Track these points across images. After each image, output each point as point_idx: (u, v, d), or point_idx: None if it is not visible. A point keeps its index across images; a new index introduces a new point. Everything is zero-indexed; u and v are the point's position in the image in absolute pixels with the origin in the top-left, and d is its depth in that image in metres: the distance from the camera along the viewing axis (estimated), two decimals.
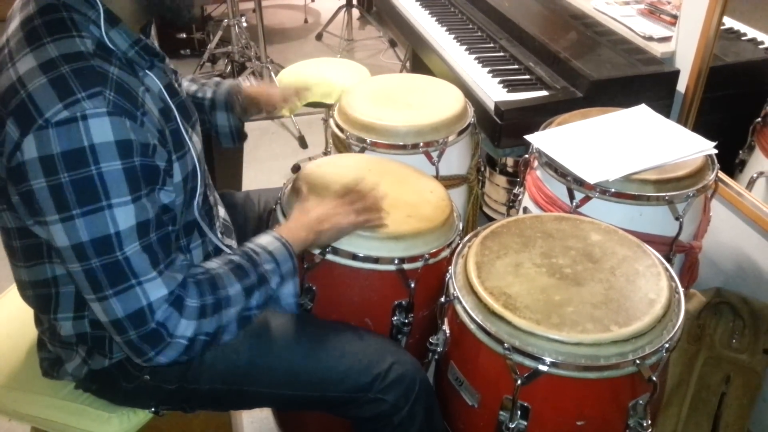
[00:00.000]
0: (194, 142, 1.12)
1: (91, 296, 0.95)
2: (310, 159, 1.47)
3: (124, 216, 0.91)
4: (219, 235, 1.26)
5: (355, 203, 1.23)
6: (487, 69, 1.95)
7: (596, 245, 1.24)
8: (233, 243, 1.32)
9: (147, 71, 1.02)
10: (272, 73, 3.56)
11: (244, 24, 3.84)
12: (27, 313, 1.22)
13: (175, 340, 0.98)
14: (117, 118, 0.88)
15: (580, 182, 1.39)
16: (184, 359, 1.02)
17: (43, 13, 0.93)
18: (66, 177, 0.87)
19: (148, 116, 0.96)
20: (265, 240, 1.13)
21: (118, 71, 0.93)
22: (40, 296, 1.09)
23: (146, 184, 0.94)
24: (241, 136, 1.53)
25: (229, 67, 3.95)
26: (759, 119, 1.70)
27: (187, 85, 1.47)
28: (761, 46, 1.77)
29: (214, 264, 1.07)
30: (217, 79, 1.52)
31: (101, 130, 0.87)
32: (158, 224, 0.97)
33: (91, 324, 1.10)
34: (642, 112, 1.64)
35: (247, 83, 1.49)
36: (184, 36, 4.16)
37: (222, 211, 1.33)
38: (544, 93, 1.80)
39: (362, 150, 1.61)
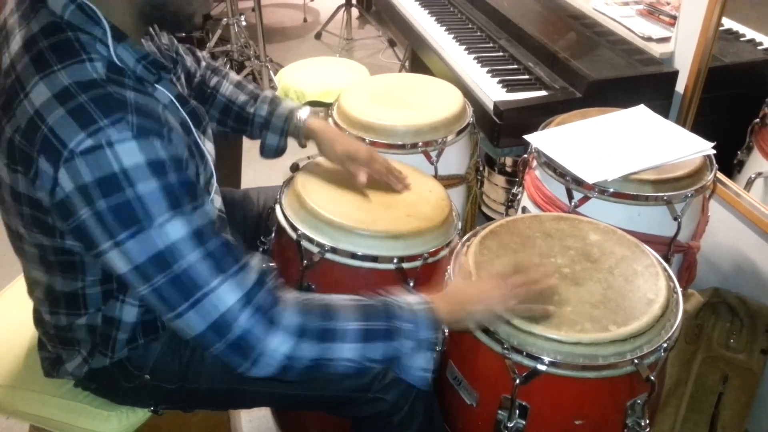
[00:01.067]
0: (208, 149, 1.10)
1: (169, 315, 0.92)
2: (308, 158, 1.46)
3: (172, 229, 0.88)
4: None
5: (519, 287, 1.08)
6: (487, 69, 1.95)
7: (595, 245, 1.24)
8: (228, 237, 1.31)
9: (156, 85, 1.00)
10: (271, 73, 3.56)
11: (243, 23, 3.83)
12: (26, 312, 1.22)
13: (268, 353, 0.94)
14: (144, 140, 0.86)
15: (579, 182, 1.39)
16: (284, 378, 0.98)
17: (48, 34, 0.90)
18: (103, 204, 0.85)
19: (174, 132, 0.94)
20: (413, 299, 1.07)
21: (134, 94, 0.90)
22: (72, 298, 1.08)
23: (189, 200, 0.91)
24: (283, 152, 1.48)
25: (228, 66, 3.94)
26: (757, 120, 1.71)
27: (232, 91, 1.43)
28: (760, 47, 1.77)
29: (337, 297, 1.04)
30: (271, 93, 1.46)
31: (130, 153, 0.85)
32: (214, 231, 0.94)
33: (104, 319, 1.09)
34: (641, 112, 1.64)
35: (305, 115, 1.42)
36: (183, 35, 4.15)
37: (218, 202, 1.32)
38: (543, 93, 1.80)
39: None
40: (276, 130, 1.42)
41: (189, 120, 1.05)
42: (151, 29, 1.13)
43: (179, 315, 0.92)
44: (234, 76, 1.47)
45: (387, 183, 1.39)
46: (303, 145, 1.46)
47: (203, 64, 1.42)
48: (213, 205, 1.24)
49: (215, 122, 1.43)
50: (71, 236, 0.94)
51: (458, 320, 1.09)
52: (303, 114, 1.42)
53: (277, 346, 0.95)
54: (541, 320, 1.06)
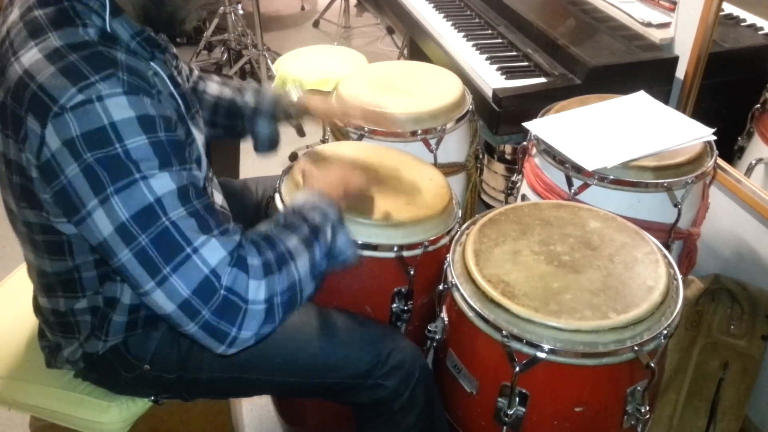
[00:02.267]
0: (196, 133, 1.10)
1: (150, 284, 0.88)
2: (307, 147, 1.46)
3: (160, 183, 0.87)
4: None
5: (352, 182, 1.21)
6: (486, 56, 1.94)
7: (594, 232, 1.23)
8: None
9: (149, 62, 1.00)
10: (269, 61, 3.54)
11: (241, 11, 3.81)
12: (26, 303, 1.22)
13: (250, 306, 0.92)
14: (134, 96, 0.86)
15: (579, 169, 1.39)
16: (268, 329, 0.95)
17: (44, 4, 0.91)
18: (91, 157, 0.84)
19: (164, 96, 0.95)
20: (299, 198, 1.10)
21: (125, 56, 0.91)
22: (65, 281, 1.08)
23: (178, 160, 0.90)
24: (277, 143, 1.50)
25: (226, 55, 3.93)
26: (758, 105, 1.70)
27: (217, 89, 1.44)
28: (761, 32, 1.76)
29: (262, 227, 1.04)
30: (254, 84, 1.48)
31: (120, 108, 0.85)
32: (199, 193, 0.93)
33: (105, 301, 1.09)
34: (641, 98, 1.64)
35: (294, 95, 1.45)
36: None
37: (220, 199, 1.32)
38: (542, 80, 1.79)
39: (360, 138, 1.60)
40: (266, 115, 1.44)
41: (179, 98, 1.05)
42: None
43: (162, 282, 0.88)
44: (216, 78, 1.48)
45: (376, 168, 1.41)
46: (302, 134, 1.46)
47: (195, 72, 1.43)
48: (214, 200, 1.24)
49: (207, 126, 1.43)
50: (53, 203, 0.93)
51: (336, 196, 1.14)
52: (292, 93, 1.44)
53: (255, 295, 0.92)
54: (537, 306, 1.05)
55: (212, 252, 0.90)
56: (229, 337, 0.92)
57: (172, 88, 1.04)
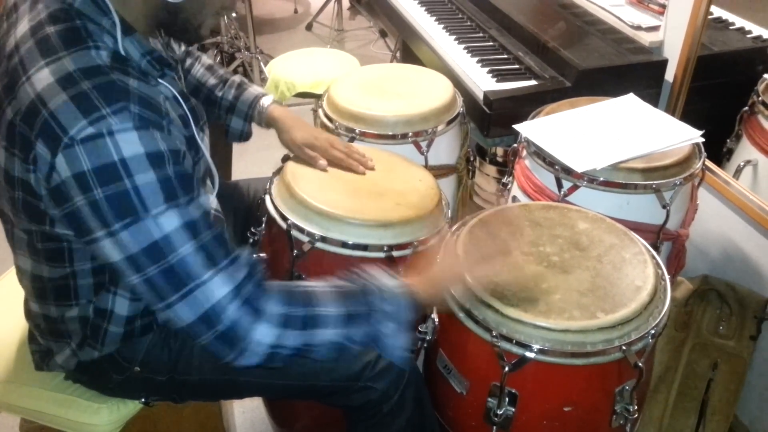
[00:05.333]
0: (205, 145, 1.11)
1: (159, 305, 0.93)
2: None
3: (167, 221, 0.89)
4: None
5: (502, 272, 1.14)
6: (477, 59, 1.95)
7: (583, 233, 1.24)
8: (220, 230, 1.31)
9: (159, 80, 1.00)
10: (262, 64, 3.54)
11: (233, 14, 3.81)
12: (16, 305, 1.22)
13: (252, 345, 0.95)
14: (145, 131, 0.86)
15: (568, 171, 1.40)
16: (271, 366, 0.99)
17: (55, 20, 0.90)
18: (100, 193, 0.85)
19: (174, 124, 0.94)
20: (392, 283, 1.07)
21: (137, 83, 0.91)
22: (60, 287, 1.07)
23: (184, 193, 0.91)
24: (248, 137, 1.53)
25: (219, 58, 3.93)
26: (746, 108, 1.71)
27: (202, 74, 1.46)
28: (749, 35, 1.77)
29: (319, 284, 1.04)
30: (239, 78, 1.49)
31: (130, 144, 0.85)
32: (208, 224, 0.94)
33: (95, 311, 1.09)
34: (630, 101, 1.65)
35: (269, 102, 1.47)
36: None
37: (214, 202, 1.32)
38: (532, 82, 1.80)
39: (351, 140, 1.61)
40: (240, 115, 1.47)
41: (189, 116, 1.05)
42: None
43: (169, 305, 0.92)
44: (206, 59, 1.50)
45: (348, 168, 1.40)
46: (267, 127, 1.49)
47: (182, 48, 1.42)
48: (209, 204, 1.24)
49: None
50: (63, 222, 0.94)
51: (437, 300, 1.14)
52: (266, 101, 1.47)
53: (262, 337, 0.96)
54: (526, 306, 1.06)
55: (216, 288, 0.93)
56: (228, 358, 0.97)
57: (183, 103, 1.04)
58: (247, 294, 0.95)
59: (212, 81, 1.46)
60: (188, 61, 1.46)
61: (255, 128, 1.53)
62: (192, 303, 0.92)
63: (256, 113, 1.47)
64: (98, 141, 0.84)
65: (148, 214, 0.87)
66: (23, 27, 0.92)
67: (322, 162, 1.39)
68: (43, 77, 0.86)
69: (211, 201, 1.30)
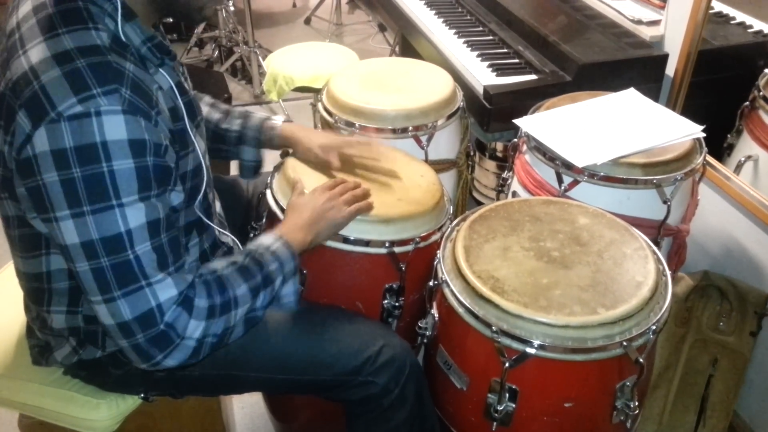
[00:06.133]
0: (198, 141, 1.10)
1: (97, 298, 0.92)
2: None
3: (134, 215, 0.89)
4: (216, 233, 1.25)
5: (343, 194, 1.23)
6: (477, 53, 1.94)
7: (584, 229, 1.24)
8: (228, 239, 1.31)
9: (158, 68, 1.00)
10: (260, 58, 3.53)
11: (232, 8, 3.80)
12: (15, 299, 1.21)
13: (183, 341, 0.96)
14: (132, 116, 0.86)
15: (569, 166, 1.39)
16: (191, 362, 1.00)
17: (58, 2, 0.91)
18: (78, 172, 0.85)
19: (162, 116, 0.94)
20: (267, 240, 1.12)
21: (134, 68, 0.91)
22: (33, 289, 1.08)
23: (158, 185, 0.92)
24: (260, 168, 1.49)
25: (217, 52, 3.91)
26: (747, 103, 1.71)
27: (207, 111, 1.42)
28: (749, 30, 1.77)
29: (219, 265, 1.06)
30: (242, 110, 1.46)
31: (115, 127, 0.85)
32: (168, 225, 0.95)
33: (85, 319, 1.09)
34: (630, 95, 1.64)
35: (280, 121, 1.43)
36: (171, 20, 4.11)
37: (218, 206, 1.32)
38: (533, 77, 1.80)
39: (351, 135, 1.60)
40: (250, 142, 1.42)
41: (184, 109, 1.05)
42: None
43: (109, 300, 0.92)
44: (208, 98, 1.46)
45: (368, 165, 1.40)
46: (281, 147, 1.45)
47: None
48: (214, 209, 1.24)
49: None
50: (25, 197, 0.93)
51: (309, 243, 1.18)
52: (276, 121, 1.43)
53: (191, 333, 0.97)
54: (527, 302, 1.06)
55: (163, 290, 0.93)
56: (153, 360, 0.97)
57: (178, 96, 1.03)
58: (185, 297, 0.96)
59: (216, 115, 1.43)
60: None
61: None
62: (134, 302, 0.92)
63: (266, 136, 1.42)
64: (84, 120, 0.84)
65: (119, 201, 0.87)
66: (26, 7, 0.93)
67: (335, 159, 1.37)
68: (39, 51, 0.87)
69: (217, 206, 1.30)
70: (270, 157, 1.48)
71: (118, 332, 0.94)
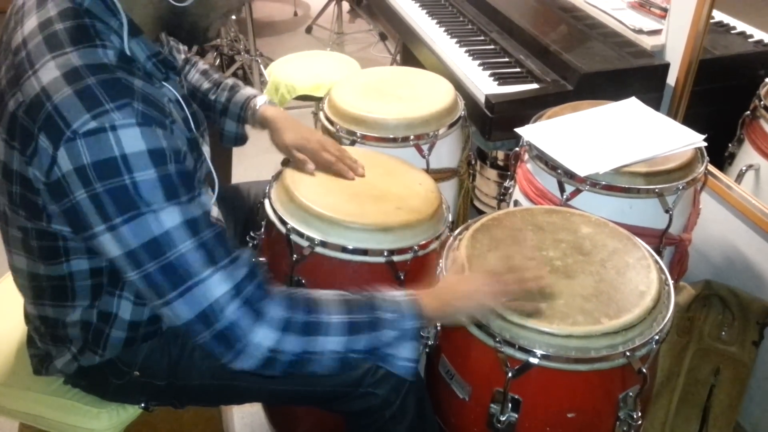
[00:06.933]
0: (205, 150, 1.11)
1: (157, 302, 0.92)
2: None
3: (168, 217, 0.88)
4: None
5: (511, 285, 1.08)
6: (478, 62, 1.94)
7: (586, 238, 1.24)
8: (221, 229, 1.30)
9: (163, 83, 1.00)
10: (261, 66, 3.54)
11: (233, 17, 3.81)
12: (15, 309, 1.21)
13: (251, 347, 0.94)
14: (147, 128, 0.86)
15: (571, 175, 1.39)
16: (268, 374, 0.98)
17: (64, 18, 0.91)
18: (100, 187, 0.85)
19: (177, 125, 0.94)
20: (396, 292, 1.07)
21: (142, 83, 0.91)
22: (54, 287, 1.07)
23: (186, 190, 0.91)
24: (243, 141, 1.52)
25: (218, 61, 3.92)
26: (748, 112, 1.71)
27: (197, 78, 1.45)
28: (750, 40, 1.77)
29: (323, 292, 1.04)
30: (233, 80, 1.48)
31: (132, 140, 0.85)
32: (208, 222, 0.94)
33: (99, 315, 1.09)
34: (632, 105, 1.64)
35: (260, 102, 1.44)
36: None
37: (215, 212, 1.32)
38: (534, 86, 1.80)
39: (352, 143, 1.60)
40: (233, 117, 1.45)
41: (191, 120, 1.05)
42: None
43: (167, 303, 0.92)
44: (201, 65, 1.49)
45: (338, 173, 1.37)
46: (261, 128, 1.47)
47: (182, 55, 1.43)
48: (210, 204, 1.23)
49: None
50: (62, 218, 0.93)
51: (446, 315, 1.10)
52: (259, 101, 1.44)
53: (262, 339, 0.95)
54: (533, 315, 1.05)
55: (216, 285, 0.92)
56: (226, 358, 0.96)
57: (185, 107, 1.04)
58: (248, 294, 0.95)
59: (206, 85, 1.46)
60: (186, 68, 1.46)
61: (253, 133, 1.52)
62: (190, 300, 0.92)
63: (248, 114, 1.44)
64: (100, 135, 0.84)
65: (149, 208, 0.87)
66: (31, 23, 0.93)
67: (310, 165, 1.37)
68: (49, 71, 0.87)
69: (213, 210, 1.30)
70: (270, 166, 1.49)
71: (188, 332, 0.95)
